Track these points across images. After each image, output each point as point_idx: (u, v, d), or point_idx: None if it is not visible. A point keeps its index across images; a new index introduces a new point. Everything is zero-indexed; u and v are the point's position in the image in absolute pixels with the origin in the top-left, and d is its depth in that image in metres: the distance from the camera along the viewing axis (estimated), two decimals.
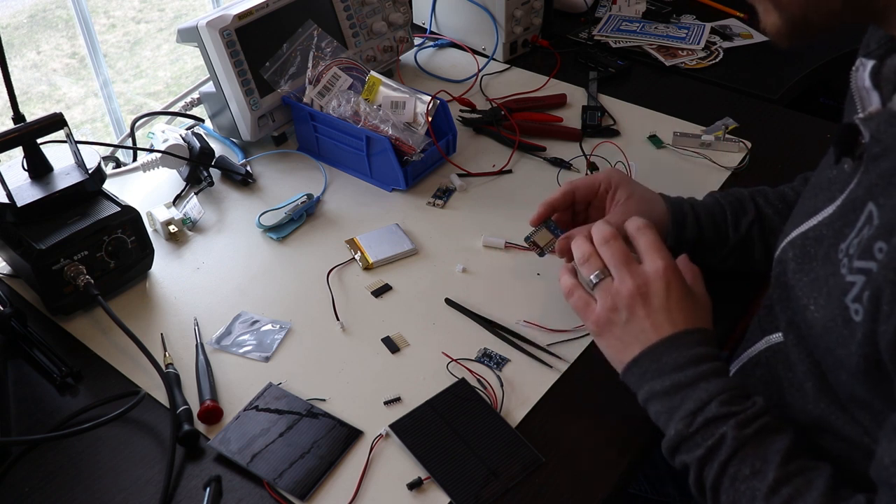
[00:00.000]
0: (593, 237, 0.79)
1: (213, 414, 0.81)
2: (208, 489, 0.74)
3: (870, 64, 0.65)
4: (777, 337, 0.76)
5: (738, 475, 0.65)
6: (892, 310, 0.55)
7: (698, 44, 1.45)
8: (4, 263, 1.02)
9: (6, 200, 0.92)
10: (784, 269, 0.71)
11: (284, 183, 1.16)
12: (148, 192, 1.15)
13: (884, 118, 0.60)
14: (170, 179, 1.18)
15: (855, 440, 0.67)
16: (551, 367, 0.87)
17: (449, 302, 0.95)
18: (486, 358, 0.88)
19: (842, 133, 0.65)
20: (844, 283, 0.61)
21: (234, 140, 1.24)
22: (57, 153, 0.99)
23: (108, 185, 0.99)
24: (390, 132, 1.10)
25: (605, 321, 0.76)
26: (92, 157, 0.98)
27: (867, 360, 0.59)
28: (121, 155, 1.28)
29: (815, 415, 0.70)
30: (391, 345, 0.90)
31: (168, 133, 1.16)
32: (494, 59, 1.43)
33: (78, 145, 0.97)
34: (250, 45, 1.14)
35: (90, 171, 0.96)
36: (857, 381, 0.62)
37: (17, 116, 1.00)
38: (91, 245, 0.92)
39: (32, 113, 1.00)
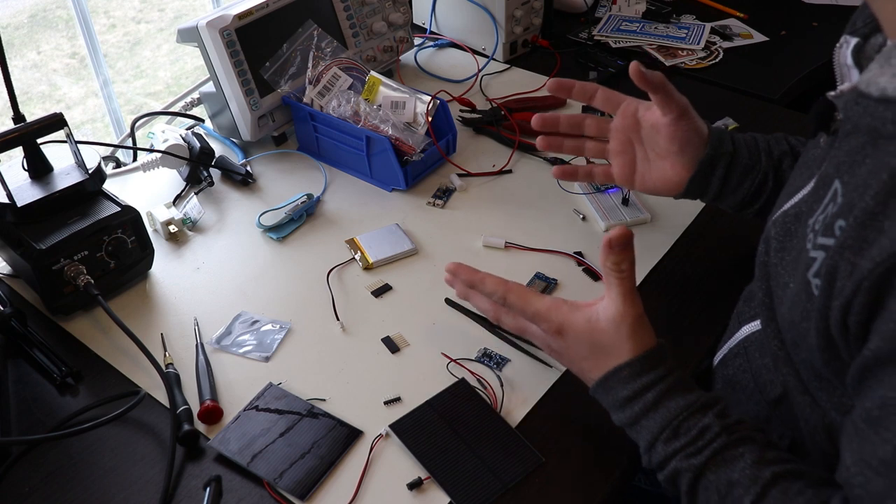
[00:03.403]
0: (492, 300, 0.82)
1: (213, 414, 0.81)
2: (208, 489, 0.74)
3: (853, 41, 0.65)
4: (755, 325, 0.77)
5: (710, 501, 0.65)
6: (843, 286, 0.55)
7: (698, 44, 1.45)
8: (4, 263, 1.02)
9: (6, 200, 0.92)
10: (767, 249, 0.71)
11: (284, 183, 1.16)
12: (148, 192, 1.15)
13: (852, 96, 0.59)
14: (170, 179, 1.18)
15: (815, 422, 0.68)
16: (551, 367, 0.87)
17: (449, 302, 0.95)
18: (486, 358, 0.88)
19: (818, 108, 0.65)
20: (808, 258, 0.61)
21: (234, 140, 1.24)
22: (57, 153, 0.99)
23: (108, 185, 0.99)
24: (390, 132, 1.10)
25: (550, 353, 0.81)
26: (92, 157, 0.98)
27: (819, 334, 0.59)
28: (121, 155, 1.28)
29: (779, 394, 0.72)
30: (391, 345, 0.90)
31: (168, 133, 1.16)
32: (494, 59, 1.43)
33: (78, 145, 0.97)
34: (250, 45, 1.14)
35: (90, 171, 0.96)
36: (815, 356, 0.62)
37: (17, 116, 1.00)
38: (91, 245, 0.92)
39: (32, 113, 1.00)
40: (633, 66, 0.83)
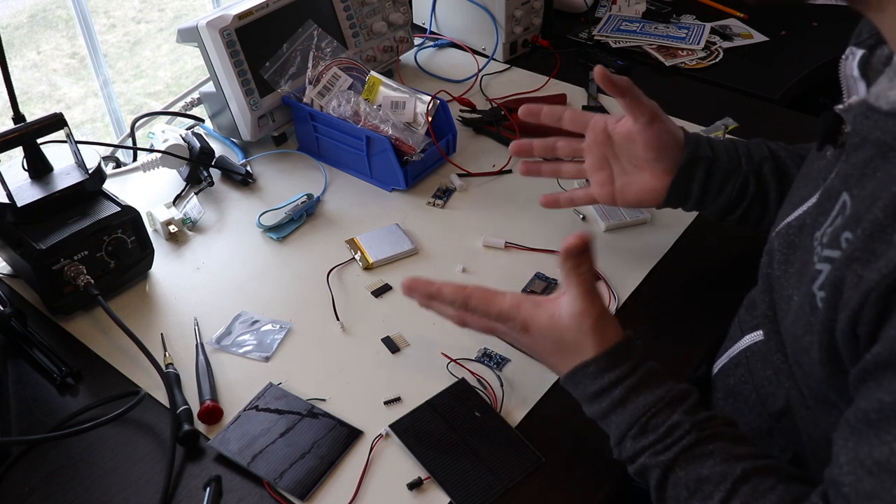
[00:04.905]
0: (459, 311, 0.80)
1: (213, 414, 0.81)
2: (208, 489, 0.74)
3: (859, 53, 0.65)
4: (757, 335, 0.76)
5: (679, 497, 0.65)
6: (850, 297, 0.55)
7: (698, 44, 1.45)
8: (4, 263, 1.02)
9: (6, 200, 0.92)
10: (770, 260, 0.71)
11: (284, 183, 1.16)
12: (148, 192, 1.15)
13: (861, 110, 0.59)
14: (170, 179, 1.18)
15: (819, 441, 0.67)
16: None
17: None
18: (486, 358, 0.88)
19: (825, 121, 0.65)
20: (814, 270, 0.60)
21: (234, 140, 1.24)
22: (57, 153, 0.99)
23: (108, 185, 0.99)
24: (390, 132, 1.10)
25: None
26: (92, 157, 0.98)
27: (822, 347, 0.59)
28: (121, 155, 1.28)
29: (782, 407, 0.71)
30: (391, 345, 0.90)
31: (168, 133, 1.16)
32: (494, 59, 1.43)
33: (78, 145, 0.97)
34: (250, 45, 1.14)
35: (90, 171, 0.96)
36: (817, 371, 0.62)
37: (17, 116, 1.00)
38: (91, 245, 0.92)
39: (32, 113, 1.00)
40: (598, 69, 0.83)
